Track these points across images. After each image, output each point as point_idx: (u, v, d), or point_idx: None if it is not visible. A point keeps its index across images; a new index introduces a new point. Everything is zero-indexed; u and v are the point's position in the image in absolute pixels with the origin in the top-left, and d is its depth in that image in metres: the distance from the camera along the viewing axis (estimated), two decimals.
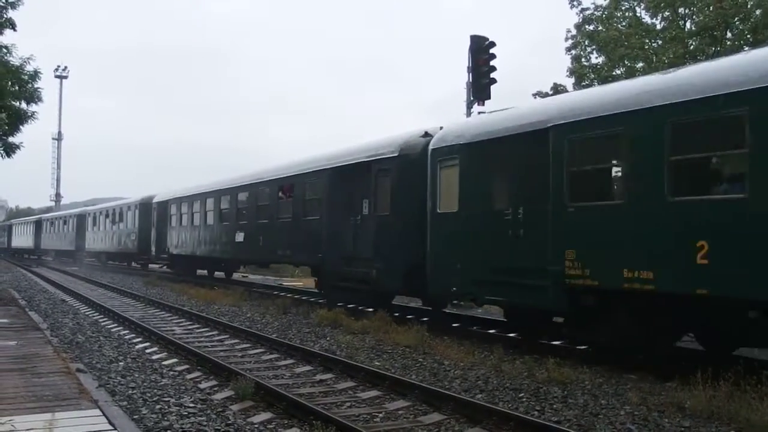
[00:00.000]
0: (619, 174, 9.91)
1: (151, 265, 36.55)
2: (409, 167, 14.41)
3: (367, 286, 15.61)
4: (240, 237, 22.80)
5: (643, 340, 9.78)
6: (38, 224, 59.49)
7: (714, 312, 9.03)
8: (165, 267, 33.95)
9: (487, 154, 12.14)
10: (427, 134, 14.52)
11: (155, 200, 33.07)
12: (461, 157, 12.65)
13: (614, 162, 10.15)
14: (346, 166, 16.82)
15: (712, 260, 8.16)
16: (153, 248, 32.83)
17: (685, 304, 8.94)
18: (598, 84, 21.63)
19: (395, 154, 14.93)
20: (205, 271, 30.70)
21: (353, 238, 16.44)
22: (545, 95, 23.90)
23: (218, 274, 30.26)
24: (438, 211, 13.22)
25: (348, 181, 16.73)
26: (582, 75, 23.83)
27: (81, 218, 46.44)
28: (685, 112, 8.69)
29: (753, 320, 8.22)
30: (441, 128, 14.07)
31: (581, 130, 10.13)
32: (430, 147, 13.68)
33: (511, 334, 12.67)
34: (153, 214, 32.92)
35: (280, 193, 20.51)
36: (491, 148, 12.01)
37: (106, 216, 41.17)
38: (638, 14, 24.23)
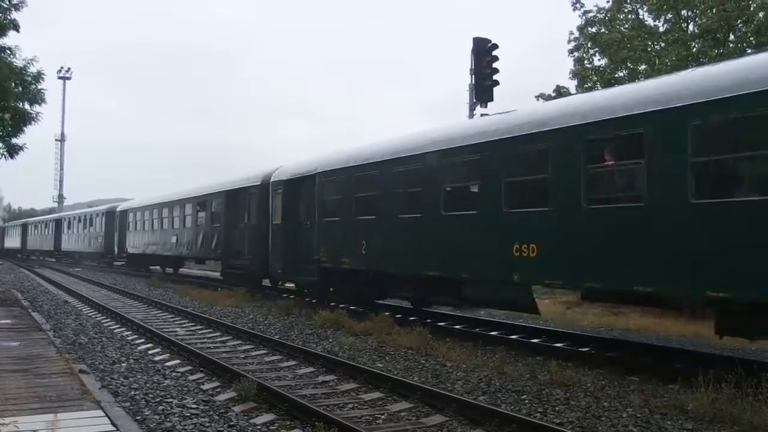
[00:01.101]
0: (339, 202, 16.41)
1: (115, 263, 42.52)
2: (266, 192, 20.62)
3: (245, 272, 22.66)
4: (174, 239, 29.93)
5: (361, 298, 16.79)
6: (24, 227, 66.08)
7: (374, 279, 15.50)
8: (124, 264, 40.27)
9: (293, 187, 18.81)
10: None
11: (118, 209, 39.85)
12: (283, 188, 19.34)
13: (337, 196, 16.63)
14: (234, 189, 23.63)
15: (367, 251, 15.00)
16: (116, 248, 39.90)
17: (365, 276, 15.67)
18: (601, 86, 21.61)
19: (258, 183, 21.46)
20: (158, 267, 35.92)
21: (239, 239, 23.05)
22: (548, 97, 23.89)
23: (169, 270, 35.42)
24: (273, 222, 19.91)
25: (236, 199, 23.43)
26: (584, 77, 23.79)
27: (58, 223, 53.58)
28: (359, 170, 15.63)
29: (393, 285, 15.19)
30: (280, 167, 20.52)
31: (328, 176, 17.06)
32: (271, 180, 20.25)
33: (514, 336, 12.69)
34: (116, 221, 39.56)
35: (198, 207, 27.66)
36: (294, 184, 18.79)
37: (79, 221, 47.75)
38: (641, 16, 24.18)
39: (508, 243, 11.00)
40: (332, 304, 17.25)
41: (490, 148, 11.63)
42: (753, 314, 8.29)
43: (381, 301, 16.83)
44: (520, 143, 11.10)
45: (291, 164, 19.86)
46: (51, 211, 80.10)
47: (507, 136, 11.35)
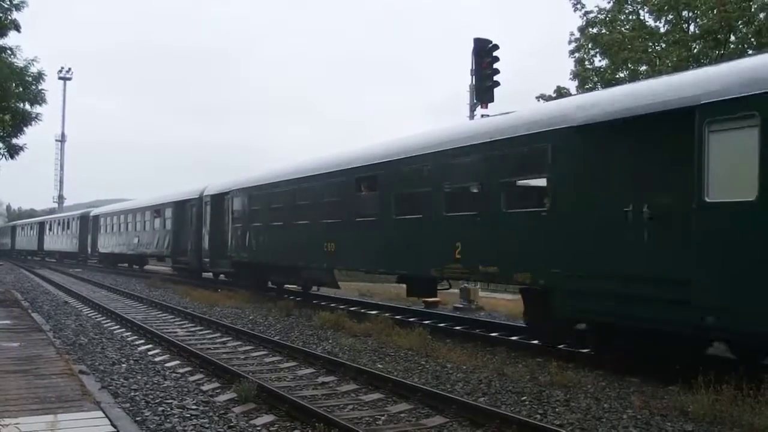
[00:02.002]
0: (242, 212, 22.54)
1: (88, 261, 47.99)
2: (202, 204, 26.38)
3: (188, 266, 29.33)
4: (136, 241, 36.41)
5: (259, 283, 22.69)
6: (13, 229, 74.19)
7: (267, 269, 21.88)
8: (96, 262, 46.11)
9: (217, 201, 24.89)
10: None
11: (91, 214, 46.44)
12: (211, 201, 25.52)
13: (241, 208, 22.58)
14: (180, 201, 29.66)
15: (255, 247, 21.18)
16: (89, 248, 46.50)
17: (260, 267, 21.75)
18: (602, 87, 21.60)
19: (197, 196, 27.18)
20: (126, 264, 41.60)
21: (183, 240, 29.07)
22: (549, 98, 23.91)
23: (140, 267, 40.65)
24: (205, 227, 25.94)
25: (183, 208, 29.26)
26: (585, 78, 23.81)
27: (41, 225, 60.54)
28: (253, 189, 21.94)
29: (270, 272, 22.06)
30: (209, 184, 26.79)
31: (236, 193, 23.16)
32: (203, 194, 26.39)
33: (514, 338, 12.68)
34: (89, 224, 46.05)
35: (155, 214, 33.60)
36: (218, 198, 24.90)
37: (58, 224, 54.75)
38: (642, 17, 24.19)
39: (323, 242, 16.93)
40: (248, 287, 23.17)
41: (317, 180, 17.68)
42: (422, 284, 14.86)
43: (277, 286, 23.16)
44: (327, 178, 17.20)
45: (217, 183, 26.11)
46: (51, 211, 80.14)
47: (321, 172, 17.62)
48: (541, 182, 11.06)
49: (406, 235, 13.87)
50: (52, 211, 78.21)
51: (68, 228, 50.82)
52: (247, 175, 23.36)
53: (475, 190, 12.57)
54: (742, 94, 7.80)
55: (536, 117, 11.02)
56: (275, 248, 20.02)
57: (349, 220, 15.87)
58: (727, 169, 7.97)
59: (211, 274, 28.33)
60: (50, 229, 56.68)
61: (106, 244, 42.03)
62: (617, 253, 9.17)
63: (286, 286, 23.03)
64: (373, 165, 15.26)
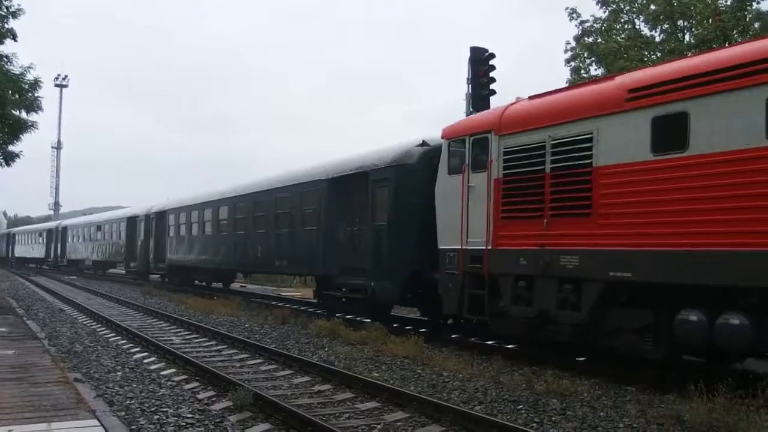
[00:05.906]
0: (68, 238, 52.08)
1: (11, 263, 68.46)
2: (58, 231, 53.37)
3: (50, 263, 56.61)
4: (32, 249, 61.64)
5: (77, 269, 49.20)
6: None
7: (78, 262, 49.42)
8: (13, 263, 67.34)
9: (63, 231, 52.43)
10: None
11: (12, 232, 73.68)
12: (61, 230, 53.03)
13: (68, 235, 52.11)
14: (50, 228, 56.77)
15: (75, 252, 50.03)
16: (10, 254, 70.67)
17: (75, 261, 50.06)
18: None
19: (55, 227, 54.90)
20: (34, 264, 61.90)
21: (50, 249, 56.33)
22: None
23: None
24: (59, 243, 53.81)
25: (51, 232, 55.42)
26: None
27: None
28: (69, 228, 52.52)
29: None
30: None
31: (69, 228, 51.38)
32: (59, 226, 53.45)
33: (510, 346, 12.68)
34: (9, 239, 71.84)
35: (39, 235, 59.97)
36: (63, 229, 52.87)
37: None
38: (637, 26, 24.28)
39: (97, 250, 43.69)
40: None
41: (91, 226, 44.38)
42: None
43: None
44: (91, 225, 45.26)
45: (66, 222, 51.11)
46: (47, 218, 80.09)
47: (91, 221, 45.10)
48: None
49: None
50: (48, 218, 78.17)
51: (2, 241, 77.20)
52: (73, 220, 49.71)
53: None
54: None
55: None
56: (84, 253, 44.58)
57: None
58: None
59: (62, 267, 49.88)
60: None
61: (19, 251, 67.70)
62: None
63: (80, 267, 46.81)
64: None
